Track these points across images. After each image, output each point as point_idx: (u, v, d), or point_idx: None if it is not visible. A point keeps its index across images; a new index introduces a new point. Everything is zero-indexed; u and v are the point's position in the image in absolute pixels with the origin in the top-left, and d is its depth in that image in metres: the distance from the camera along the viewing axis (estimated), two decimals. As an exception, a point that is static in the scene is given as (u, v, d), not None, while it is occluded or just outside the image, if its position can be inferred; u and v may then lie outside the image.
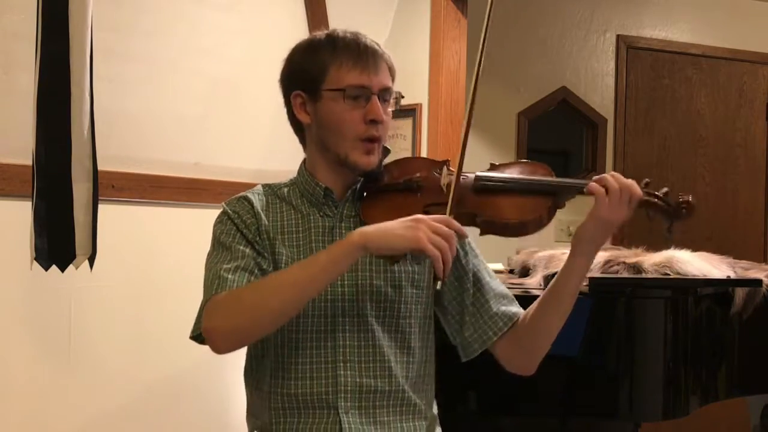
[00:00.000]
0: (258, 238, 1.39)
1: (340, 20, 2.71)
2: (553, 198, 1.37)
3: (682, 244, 2.18)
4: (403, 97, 1.45)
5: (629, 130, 3.95)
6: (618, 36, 3.94)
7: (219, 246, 1.39)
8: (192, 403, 2.41)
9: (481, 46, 1.35)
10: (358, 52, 1.37)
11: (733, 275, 2.22)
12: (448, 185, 1.37)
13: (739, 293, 2.20)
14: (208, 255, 1.40)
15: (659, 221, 1.39)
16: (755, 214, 4.14)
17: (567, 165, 4.01)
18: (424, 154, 2.93)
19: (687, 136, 4.05)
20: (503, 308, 1.45)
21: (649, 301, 2.02)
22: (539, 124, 3.80)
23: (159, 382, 2.31)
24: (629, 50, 3.96)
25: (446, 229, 1.23)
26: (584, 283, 1.87)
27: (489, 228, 1.37)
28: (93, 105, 1.74)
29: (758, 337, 2.28)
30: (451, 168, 1.43)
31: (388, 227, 1.24)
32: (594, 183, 1.32)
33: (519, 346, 1.44)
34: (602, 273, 2.09)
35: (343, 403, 1.36)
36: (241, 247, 1.36)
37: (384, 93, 1.40)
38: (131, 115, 2.20)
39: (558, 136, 3.96)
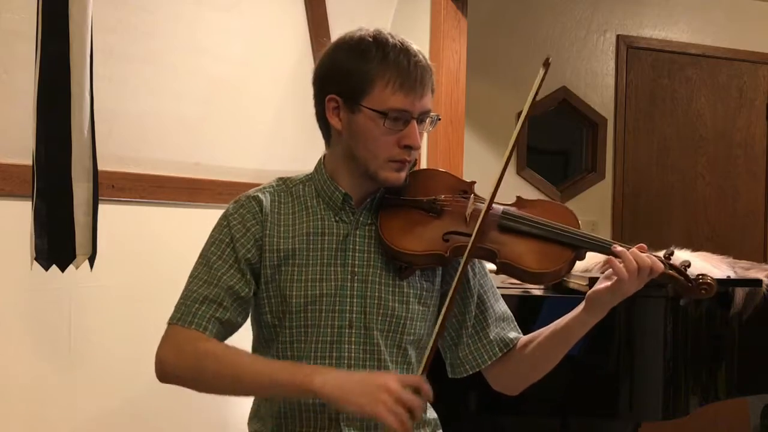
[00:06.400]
0: (254, 250, 1.37)
1: (340, 20, 2.71)
2: (576, 252, 1.36)
3: (682, 244, 2.17)
4: (440, 119, 1.42)
5: (629, 130, 3.94)
6: (618, 36, 3.94)
7: (204, 257, 1.39)
8: (192, 403, 2.40)
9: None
10: (408, 72, 1.32)
11: (733, 275, 2.22)
12: (473, 214, 1.36)
13: (739, 293, 2.20)
14: (198, 255, 1.41)
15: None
16: (755, 214, 4.14)
17: (567, 165, 4.01)
18: (424, 154, 2.92)
19: (687, 136, 4.04)
20: (502, 333, 1.45)
21: (649, 301, 2.02)
22: (539, 124, 3.79)
23: (159, 382, 2.31)
24: (629, 50, 3.96)
25: (413, 400, 1.18)
26: (584, 283, 1.87)
27: (506, 270, 1.36)
28: (93, 105, 1.74)
29: (758, 337, 2.28)
30: (477, 195, 1.41)
31: (349, 387, 1.20)
32: (616, 263, 1.30)
33: (511, 370, 1.45)
34: (602, 273, 2.09)
35: (344, 415, 1.35)
36: (221, 272, 1.35)
37: (423, 115, 1.36)
38: (131, 115, 2.20)
39: (558, 136, 3.95)
